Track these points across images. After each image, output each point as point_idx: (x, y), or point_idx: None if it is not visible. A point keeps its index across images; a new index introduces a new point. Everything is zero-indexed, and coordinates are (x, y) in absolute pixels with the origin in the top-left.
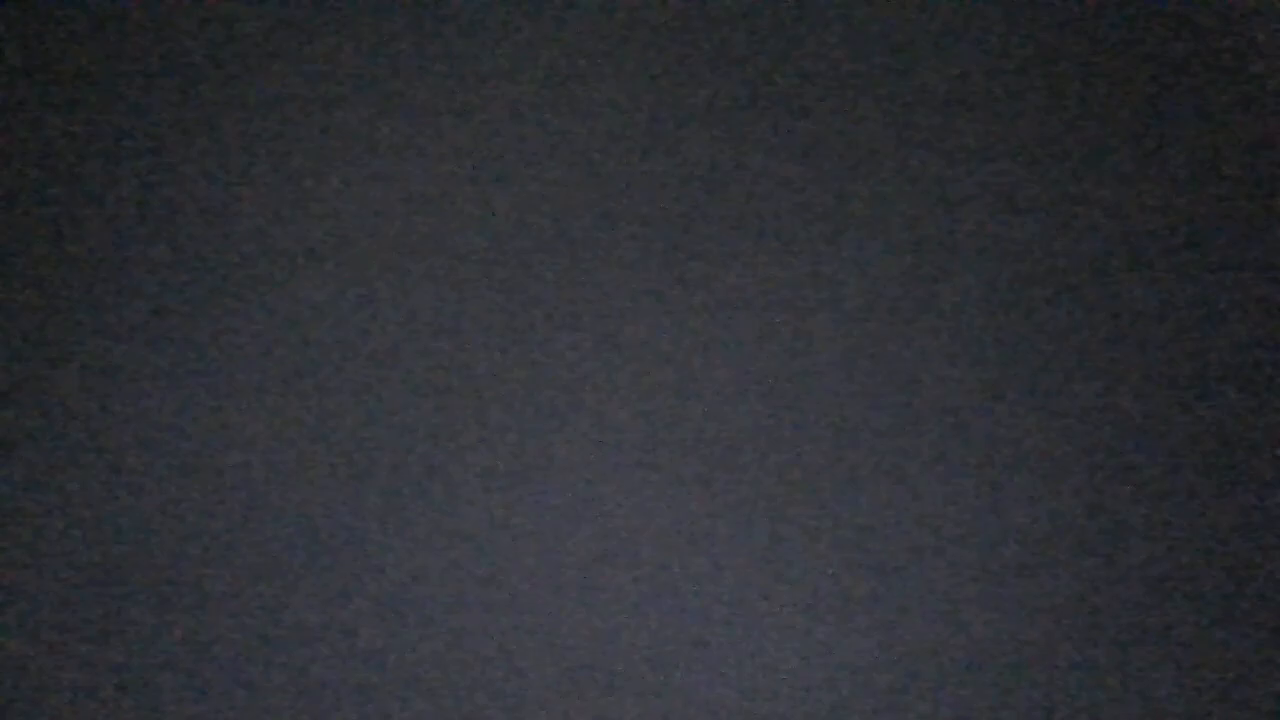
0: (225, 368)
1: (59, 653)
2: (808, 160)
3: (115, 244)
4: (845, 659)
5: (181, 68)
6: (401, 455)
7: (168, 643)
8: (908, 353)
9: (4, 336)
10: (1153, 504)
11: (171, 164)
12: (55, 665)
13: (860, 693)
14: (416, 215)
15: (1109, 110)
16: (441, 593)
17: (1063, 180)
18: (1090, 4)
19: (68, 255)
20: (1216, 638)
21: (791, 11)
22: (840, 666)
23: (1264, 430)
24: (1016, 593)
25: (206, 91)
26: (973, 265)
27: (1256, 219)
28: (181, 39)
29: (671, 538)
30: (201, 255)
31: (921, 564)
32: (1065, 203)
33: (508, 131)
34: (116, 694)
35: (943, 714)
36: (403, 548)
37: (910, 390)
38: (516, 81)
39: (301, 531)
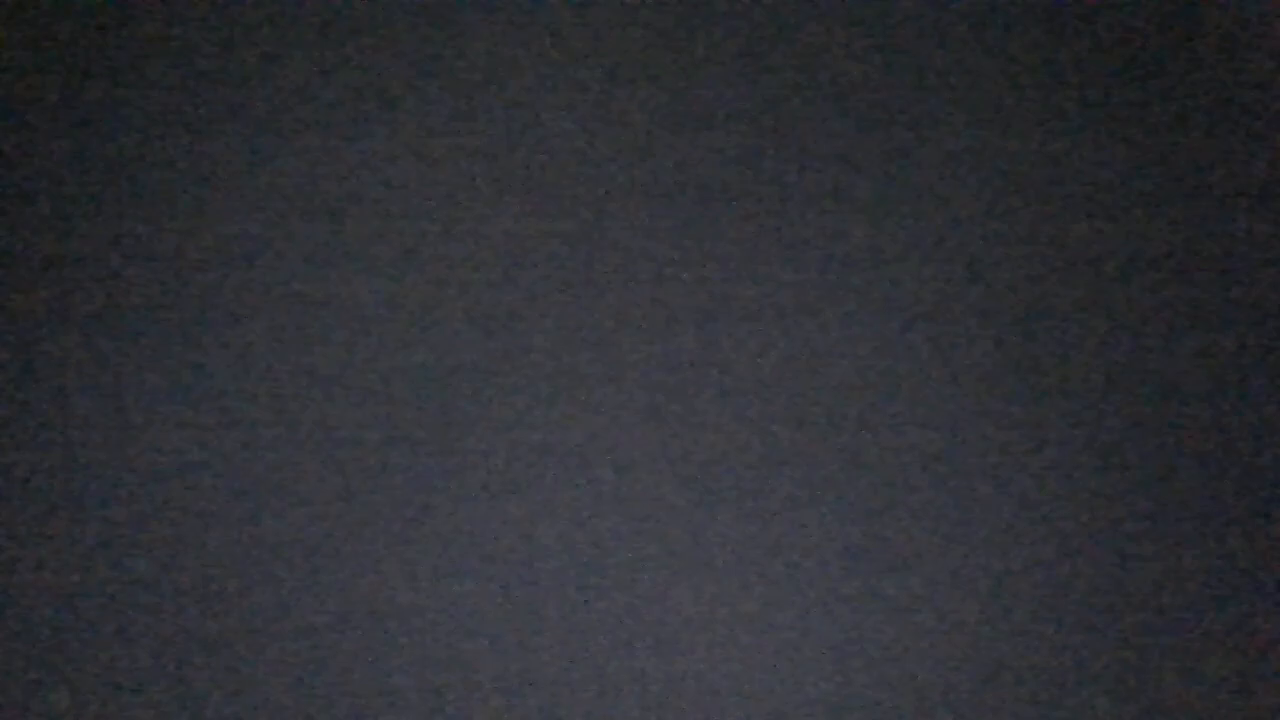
0: (225, 368)
1: (59, 652)
2: (808, 165)
3: (116, 245)
4: (845, 660)
5: (182, 68)
6: (401, 455)
7: (167, 642)
8: (908, 355)
9: (4, 336)
10: (1153, 503)
11: (172, 164)
12: (55, 665)
13: (860, 692)
14: (418, 217)
15: (1109, 111)
16: (440, 592)
17: (1063, 182)
18: (1090, 3)
19: (68, 255)
20: (1216, 638)
21: (793, 14)
22: (840, 667)
23: (1264, 430)
24: (1017, 592)
25: (207, 92)
26: (973, 268)
27: (1257, 219)
28: (182, 39)
29: (672, 539)
30: (202, 255)
31: (921, 565)
32: (1066, 204)
33: (508, 134)
34: (116, 693)
35: (942, 714)
36: (403, 547)
37: (910, 391)
38: (519, 84)
39: (301, 531)
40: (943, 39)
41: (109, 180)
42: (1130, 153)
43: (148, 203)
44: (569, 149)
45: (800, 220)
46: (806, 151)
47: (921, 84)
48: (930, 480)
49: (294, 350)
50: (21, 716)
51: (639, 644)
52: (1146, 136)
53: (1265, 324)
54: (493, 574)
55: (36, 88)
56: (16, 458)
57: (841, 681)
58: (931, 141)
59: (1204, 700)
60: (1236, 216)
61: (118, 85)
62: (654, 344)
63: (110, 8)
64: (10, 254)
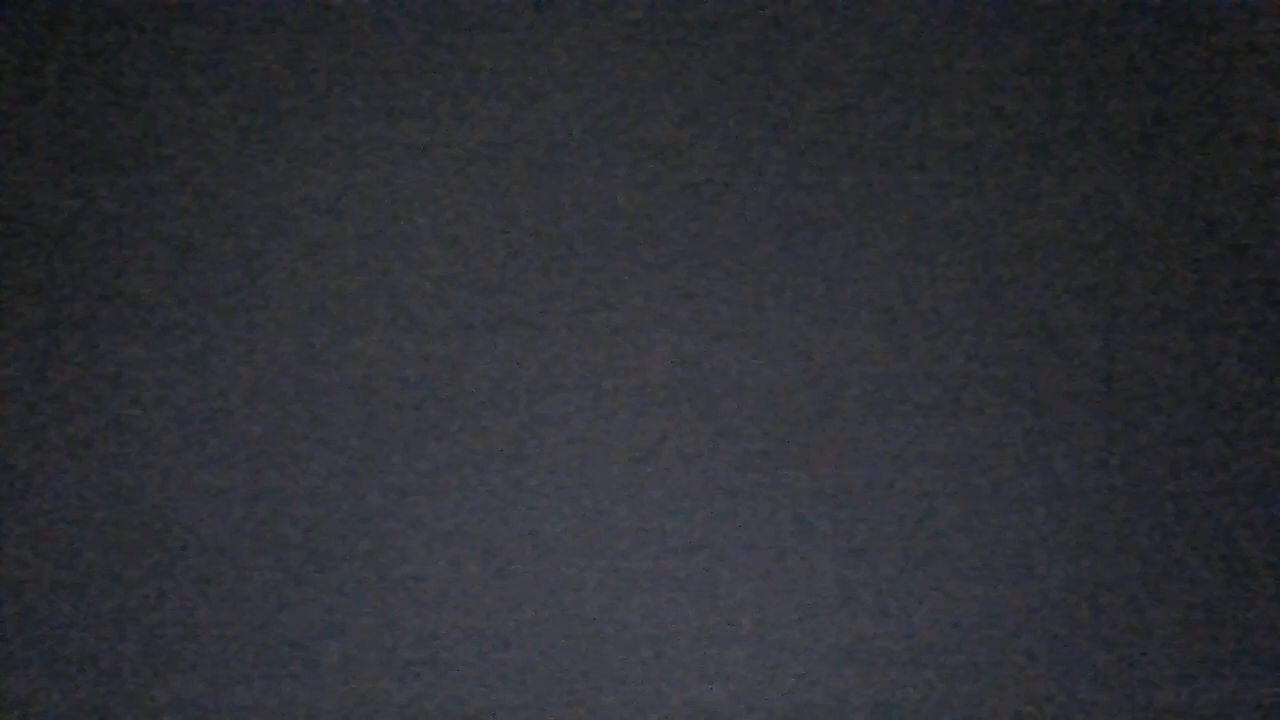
0: (225, 368)
1: (59, 652)
2: (807, 162)
3: (116, 244)
4: (845, 659)
5: (182, 68)
6: (402, 455)
7: (168, 642)
8: (908, 353)
9: (4, 336)
10: (1152, 503)
11: (172, 164)
12: (55, 665)
13: (860, 693)
14: (418, 216)
15: (1109, 110)
16: (440, 593)
17: (1063, 180)
18: (1089, 4)
19: (68, 255)
20: (1216, 638)
21: (792, 12)
22: (840, 667)
23: (1264, 430)
24: (1017, 592)
25: (206, 92)
26: (973, 266)
27: (1257, 219)
28: (182, 39)
29: (671, 539)
30: (201, 255)
31: (921, 565)
32: (1065, 203)
33: (507, 134)
34: (116, 691)
35: (943, 714)
36: (403, 548)
37: (910, 390)
38: (517, 84)
39: (301, 531)
40: (946, 40)
41: (107, 180)
42: (1132, 153)
43: (146, 203)
44: (569, 148)
45: (803, 221)
46: (809, 151)
47: (924, 84)
48: (933, 481)
49: (294, 350)
50: (22, 716)
51: (642, 646)
52: (1148, 136)
53: (1268, 324)
54: (495, 573)
55: (36, 88)
56: (16, 457)
57: (844, 683)
58: (934, 141)
59: (1205, 700)
60: (1240, 216)
61: (117, 85)
62: (657, 343)
63: (109, 8)
64: (10, 254)
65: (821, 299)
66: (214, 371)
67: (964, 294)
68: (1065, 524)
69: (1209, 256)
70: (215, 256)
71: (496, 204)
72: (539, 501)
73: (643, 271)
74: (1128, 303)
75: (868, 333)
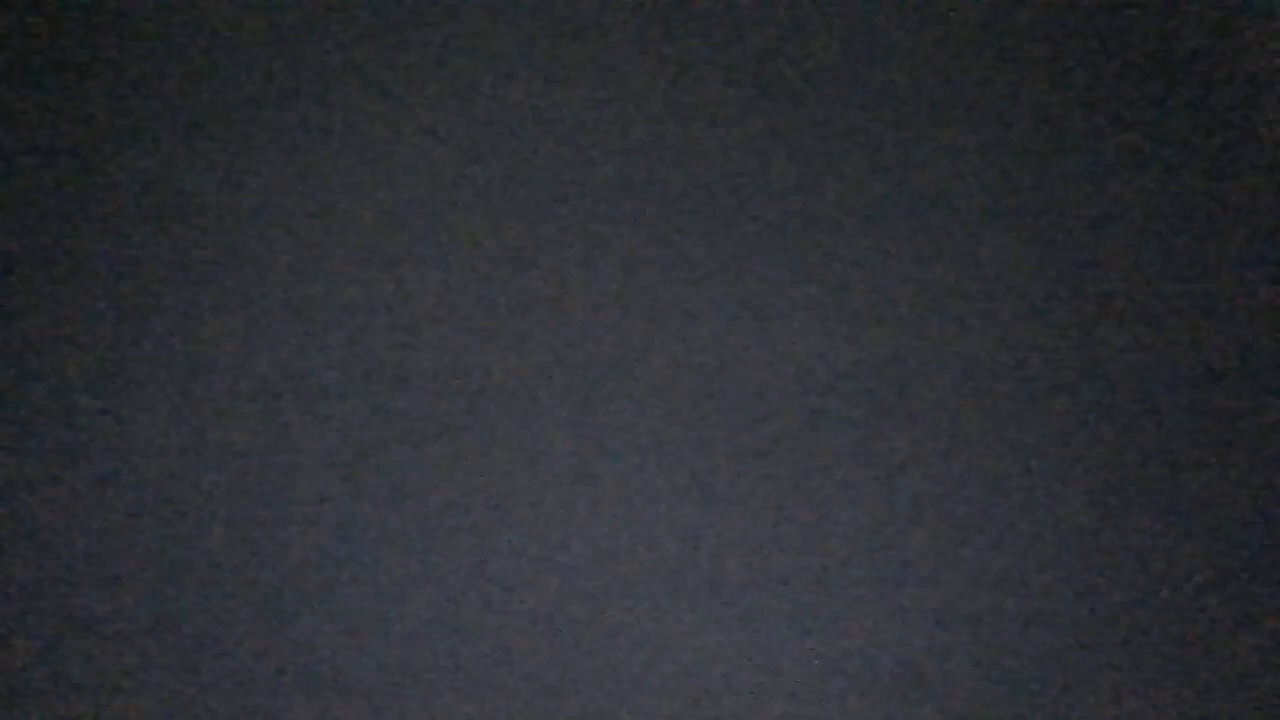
0: (224, 367)
1: (59, 652)
2: (807, 161)
3: (115, 243)
4: (845, 659)
5: (181, 67)
6: (401, 454)
7: (167, 642)
8: (908, 353)
9: (4, 336)
10: (1153, 503)
11: (171, 164)
12: (55, 665)
13: (860, 694)
14: (418, 215)
15: (1109, 111)
16: (441, 594)
17: (1061, 180)
18: (1089, 3)
19: (68, 255)
20: (1216, 638)
21: (791, 10)
22: (840, 667)
23: (1264, 430)
24: (1017, 593)
25: (207, 91)
26: (973, 266)
27: (1256, 219)
28: (182, 38)
29: (671, 538)
30: (202, 255)
31: (921, 565)
32: (1065, 203)
33: (508, 133)
34: (115, 693)
35: (942, 715)
36: (403, 548)
37: (910, 390)
38: (517, 82)
39: (301, 531)
40: (939, 35)
41: (106, 181)
42: (1132, 153)
43: (144, 204)
44: (569, 150)
45: (802, 220)
46: (809, 152)
47: (923, 84)
48: (936, 483)
49: (296, 352)
50: (22, 715)
51: (646, 649)
52: (1148, 136)
53: (1268, 324)
54: (495, 575)
55: (35, 87)
56: (16, 457)
57: (843, 683)
58: (932, 142)
59: (1207, 700)
60: (1240, 216)
61: (115, 84)
62: (657, 345)
63: (107, 7)
64: (10, 254)
65: (822, 300)
66: (213, 371)
67: (963, 296)
68: (1064, 525)
69: (1210, 256)
70: (214, 255)
71: (495, 204)
72: (538, 501)
73: (642, 271)
74: (1127, 304)
75: (868, 334)
